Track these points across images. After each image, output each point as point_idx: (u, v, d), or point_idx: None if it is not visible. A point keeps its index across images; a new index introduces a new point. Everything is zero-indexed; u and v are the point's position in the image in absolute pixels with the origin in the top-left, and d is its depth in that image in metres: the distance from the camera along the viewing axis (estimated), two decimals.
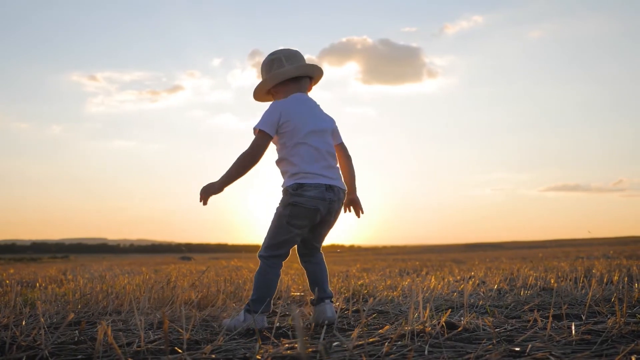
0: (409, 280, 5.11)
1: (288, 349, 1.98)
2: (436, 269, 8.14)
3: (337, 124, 2.79)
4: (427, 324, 2.26)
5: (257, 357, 1.88)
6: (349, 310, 3.12)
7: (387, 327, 2.34)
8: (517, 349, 1.90)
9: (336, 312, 2.93)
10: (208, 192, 2.59)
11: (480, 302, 3.26)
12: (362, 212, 2.83)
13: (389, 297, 3.61)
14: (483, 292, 3.81)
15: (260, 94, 2.80)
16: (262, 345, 2.05)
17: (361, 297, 3.76)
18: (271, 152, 2.66)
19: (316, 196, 2.54)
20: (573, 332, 2.13)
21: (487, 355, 1.82)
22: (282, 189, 2.63)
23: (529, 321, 2.53)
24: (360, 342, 2.05)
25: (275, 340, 2.18)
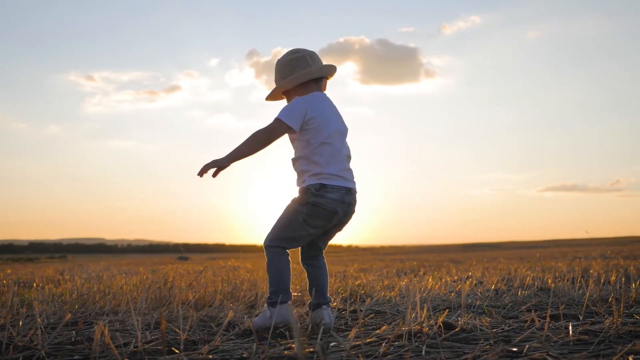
0: (406, 280, 5.11)
1: (285, 349, 1.98)
2: (434, 269, 8.14)
3: None
4: (424, 325, 2.26)
5: (254, 357, 1.88)
6: (346, 310, 3.12)
7: (384, 327, 2.34)
8: (515, 349, 1.90)
9: (333, 312, 2.93)
10: (213, 163, 2.50)
11: (478, 303, 3.26)
12: None
13: (387, 298, 3.61)
14: (480, 292, 3.81)
15: (277, 92, 2.76)
16: (259, 346, 2.05)
17: (358, 297, 3.76)
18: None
19: (337, 199, 2.53)
20: (570, 332, 2.13)
21: (485, 356, 1.82)
22: (300, 187, 2.59)
23: (526, 321, 2.53)
24: (357, 343, 2.04)
25: (273, 341, 2.18)
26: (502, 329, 2.36)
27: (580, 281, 4.09)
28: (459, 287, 4.23)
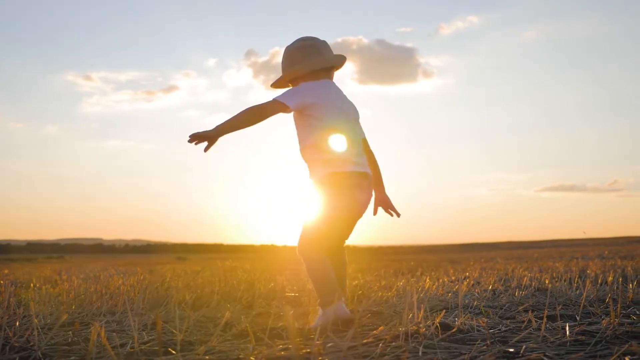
0: (403, 280, 5.11)
1: (282, 350, 1.98)
2: (431, 269, 8.15)
3: None
4: (421, 325, 2.26)
5: (251, 358, 1.88)
6: None
7: (381, 327, 2.34)
8: (512, 349, 1.90)
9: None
10: (201, 135, 2.41)
11: (475, 303, 3.26)
12: (398, 213, 2.74)
13: (384, 298, 3.61)
14: (478, 293, 3.81)
15: (284, 80, 2.70)
16: (255, 346, 2.05)
17: (356, 297, 3.76)
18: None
19: (354, 184, 2.48)
20: (567, 332, 2.13)
21: (482, 356, 1.82)
22: (313, 179, 2.54)
23: (523, 322, 2.53)
24: (354, 343, 2.04)
25: (269, 341, 2.18)
26: (499, 329, 2.36)
27: (577, 281, 4.09)
28: (456, 287, 4.23)
